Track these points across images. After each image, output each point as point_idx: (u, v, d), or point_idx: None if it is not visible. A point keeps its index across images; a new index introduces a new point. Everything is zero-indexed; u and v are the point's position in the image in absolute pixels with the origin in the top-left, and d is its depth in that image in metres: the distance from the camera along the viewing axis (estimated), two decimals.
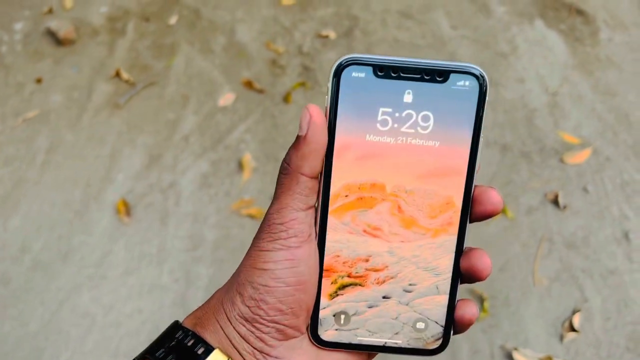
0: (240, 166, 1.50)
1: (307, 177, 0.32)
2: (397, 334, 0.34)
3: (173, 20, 1.89)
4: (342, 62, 0.32)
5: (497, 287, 1.26)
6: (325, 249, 0.34)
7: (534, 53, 1.80)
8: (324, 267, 0.34)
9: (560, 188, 1.44)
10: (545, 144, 1.54)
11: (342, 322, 0.34)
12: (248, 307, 0.33)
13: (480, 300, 1.24)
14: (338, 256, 0.34)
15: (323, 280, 0.34)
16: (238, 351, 0.33)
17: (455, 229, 0.33)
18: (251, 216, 1.40)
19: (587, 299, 1.25)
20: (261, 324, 0.33)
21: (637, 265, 1.30)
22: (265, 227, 0.33)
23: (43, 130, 1.58)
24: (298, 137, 0.32)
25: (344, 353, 0.35)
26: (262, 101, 1.65)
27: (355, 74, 0.32)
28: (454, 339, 0.35)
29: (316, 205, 0.34)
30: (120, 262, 1.32)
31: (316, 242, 0.34)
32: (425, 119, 0.32)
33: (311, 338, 0.34)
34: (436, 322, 0.34)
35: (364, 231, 0.33)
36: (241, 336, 0.33)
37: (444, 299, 0.34)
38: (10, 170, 1.48)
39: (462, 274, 0.34)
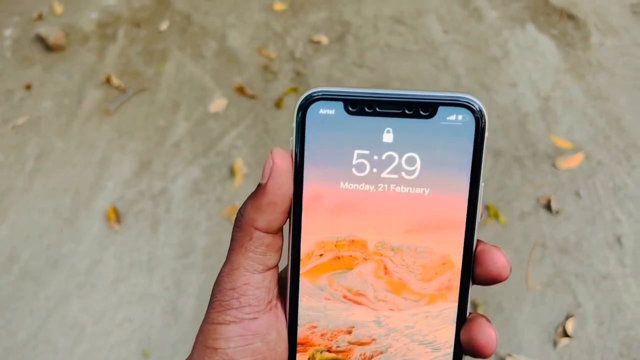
0: (231, 172, 1.49)
1: (263, 233, 0.28)
2: None
3: (164, 26, 1.88)
4: (307, 96, 0.27)
5: (490, 293, 1.26)
6: (299, 318, 0.28)
7: (525, 58, 1.80)
8: (298, 341, 0.28)
9: (552, 193, 1.43)
10: (537, 148, 1.54)
11: None
12: None
13: (474, 306, 1.24)
14: (314, 327, 0.28)
15: (298, 356, 0.28)
16: None
17: (455, 295, 0.28)
18: None
19: (580, 304, 1.24)
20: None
21: (629, 269, 1.29)
22: (216, 293, 0.28)
23: (32, 137, 1.56)
24: (258, 186, 0.28)
25: None
26: (253, 107, 1.65)
27: (323, 110, 0.27)
28: None
29: (285, 266, 0.29)
30: (111, 271, 1.31)
31: (282, 310, 0.29)
32: (411, 161, 0.27)
33: None
34: None
35: (345, 297, 0.28)
36: None
37: None
38: None
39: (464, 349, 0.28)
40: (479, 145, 0.27)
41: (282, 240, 0.29)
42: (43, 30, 1.79)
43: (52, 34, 1.78)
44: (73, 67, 1.75)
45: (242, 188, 1.46)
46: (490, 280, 0.28)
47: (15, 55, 1.79)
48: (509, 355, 1.16)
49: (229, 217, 1.40)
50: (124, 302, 1.26)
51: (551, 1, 1.99)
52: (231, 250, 0.28)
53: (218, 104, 1.65)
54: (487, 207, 1.40)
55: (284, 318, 0.29)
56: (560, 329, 1.21)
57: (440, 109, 0.27)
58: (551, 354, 1.17)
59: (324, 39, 1.85)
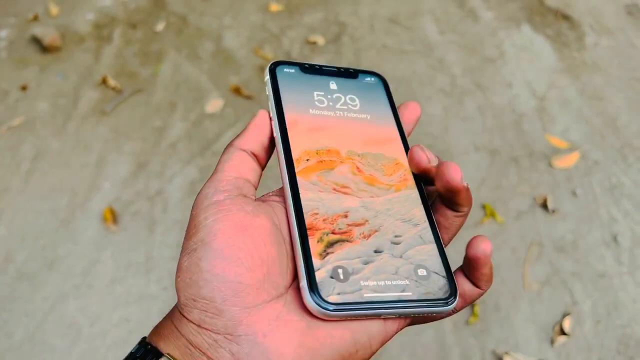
0: None
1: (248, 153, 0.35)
2: (404, 290, 0.30)
3: (160, 27, 1.88)
4: (274, 62, 0.39)
5: (487, 293, 1.26)
6: (303, 207, 0.32)
7: (521, 58, 1.81)
8: (307, 226, 0.31)
9: (549, 192, 1.44)
10: (533, 148, 1.55)
11: (342, 279, 0.29)
12: (190, 278, 0.28)
13: (471, 305, 1.24)
14: (316, 214, 0.32)
15: (309, 239, 0.31)
16: (200, 349, 0.27)
17: (412, 184, 0.35)
18: None
19: (577, 303, 1.24)
20: (209, 298, 0.27)
21: (626, 267, 1.30)
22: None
23: (28, 138, 1.56)
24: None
25: (341, 323, 0.28)
26: (250, 107, 1.65)
27: (287, 69, 0.39)
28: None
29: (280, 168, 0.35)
30: (107, 271, 1.30)
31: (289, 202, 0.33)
32: (352, 100, 0.39)
33: (313, 307, 0.28)
34: (436, 273, 0.32)
35: (334, 189, 0.34)
36: (197, 325, 0.28)
37: (433, 247, 0.33)
38: None
39: (440, 202, 0.34)
40: (390, 94, 0.40)
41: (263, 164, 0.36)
42: (39, 31, 1.79)
43: (48, 34, 1.78)
44: (69, 68, 1.75)
45: None
46: (447, 186, 0.31)
47: (10, 56, 1.78)
48: (507, 353, 1.16)
49: None
50: (121, 303, 1.26)
51: (546, 2, 2.00)
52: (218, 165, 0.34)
53: (214, 105, 1.65)
54: (483, 207, 1.41)
55: (281, 208, 0.33)
56: (557, 327, 1.21)
57: (360, 75, 0.41)
58: (548, 352, 1.17)
59: (320, 40, 1.85)
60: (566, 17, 1.95)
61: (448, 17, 1.94)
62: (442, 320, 1.21)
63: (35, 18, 1.89)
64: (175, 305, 0.30)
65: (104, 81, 1.70)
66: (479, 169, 1.49)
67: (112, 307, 1.25)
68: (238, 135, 0.36)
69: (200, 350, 0.27)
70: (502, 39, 1.87)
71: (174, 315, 0.29)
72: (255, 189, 0.35)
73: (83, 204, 1.42)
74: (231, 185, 0.32)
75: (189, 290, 0.28)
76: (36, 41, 1.80)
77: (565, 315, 1.22)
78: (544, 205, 1.41)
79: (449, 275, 0.32)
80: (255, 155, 0.35)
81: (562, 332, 1.20)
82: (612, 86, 1.72)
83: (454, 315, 1.22)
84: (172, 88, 1.70)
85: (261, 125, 0.36)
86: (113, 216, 1.39)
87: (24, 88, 1.68)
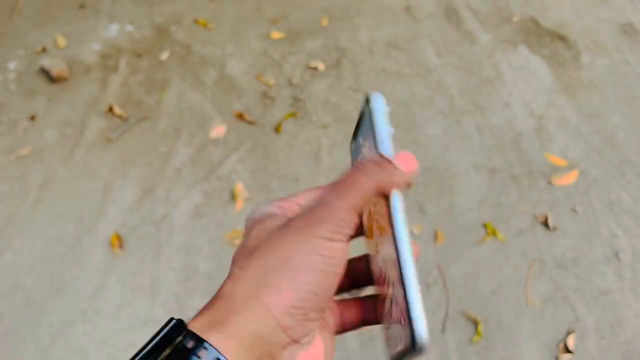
0: (232, 196, 1.51)
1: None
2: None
3: (164, 56, 1.92)
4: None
5: (490, 310, 1.26)
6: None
7: (518, 78, 1.84)
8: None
9: (549, 209, 1.45)
10: (533, 166, 1.56)
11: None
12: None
13: (474, 323, 1.24)
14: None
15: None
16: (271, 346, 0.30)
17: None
18: None
19: (580, 319, 1.25)
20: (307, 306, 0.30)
21: (628, 283, 1.30)
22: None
23: (36, 166, 1.59)
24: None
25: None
26: (253, 132, 1.68)
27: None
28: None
29: None
30: (114, 296, 1.32)
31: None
32: None
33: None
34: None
35: None
36: (282, 328, 0.30)
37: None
38: (3, 207, 1.49)
39: None
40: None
41: None
42: (47, 62, 1.84)
43: (56, 66, 1.83)
44: (76, 98, 1.79)
45: (242, 212, 1.48)
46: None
47: (19, 87, 1.83)
48: None
49: (230, 241, 1.42)
50: (127, 327, 1.27)
51: (542, 23, 2.04)
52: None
53: (218, 130, 1.68)
54: (484, 225, 1.42)
55: None
56: (561, 345, 1.21)
57: None
58: None
59: (321, 65, 1.89)
60: (562, 38, 1.98)
61: (445, 39, 1.98)
62: (446, 340, 1.21)
63: (44, 50, 1.94)
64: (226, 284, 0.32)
65: (110, 109, 1.74)
66: (479, 188, 1.51)
67: (118, 332, 1.26)
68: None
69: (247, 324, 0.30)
70: (499, 60, 1.90)
71: (224, 299, 0.32)
72: None
73: (90, 230, 1.44)
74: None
75: (251, 269, 0.31)
76: (44, 72, 1.85)
77: (568, 332, 1.23)
78: (545, 223, 1.42)
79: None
80: None
81: (567, 350, 1.20)
82: (609, 104, 1.74)
83: (458, 334, 1.23)
84: (176, 115, 1.73)
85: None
86: (119, 241, 1.41)
87: (32, 118, 1.72)
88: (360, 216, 0.34)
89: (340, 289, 0.36)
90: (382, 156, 0.33)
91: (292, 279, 0.30)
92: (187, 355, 0.27)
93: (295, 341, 0.30)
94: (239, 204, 1.49)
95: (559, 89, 1.80)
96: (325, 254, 0.30)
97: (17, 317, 1.29)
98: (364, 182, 0.32)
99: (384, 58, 1.92)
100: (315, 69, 1.88)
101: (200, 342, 0.28)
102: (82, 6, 2.13)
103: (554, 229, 1.41)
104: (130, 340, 1.25)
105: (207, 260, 1.38)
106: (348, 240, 0.32)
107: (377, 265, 0.36)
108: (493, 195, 1.49)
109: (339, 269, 0.31)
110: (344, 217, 0.31)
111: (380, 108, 0.35)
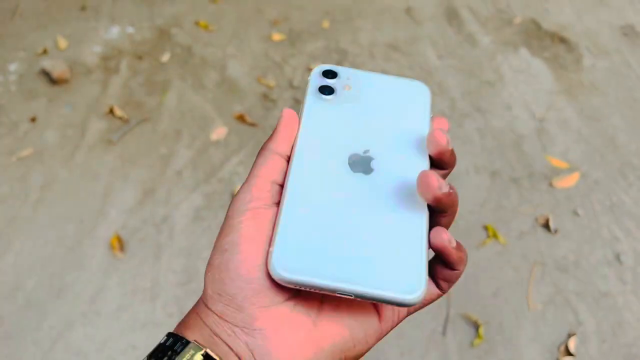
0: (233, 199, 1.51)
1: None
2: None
3: (165, 57, 1.92)
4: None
5: (491, 313, 1.26)
6: None
7: (519, 80, 1.84)
8: None
9: (550, 212, 1.45)
10: (534, 169, 1.56)
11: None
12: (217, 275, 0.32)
13: (475, 326, 1.24)
14: None
15: None
16: (221, 338, 0.31)
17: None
18: None
19: (582, 322, 1.24)
20: (232, 295, 0.31)
21: (629, 286, 1.30)
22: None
23: (37, 168, 1.59)
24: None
25: (339, 322, 0.32)
26: (254, 134, 1.68)
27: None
28: None
29: None
30: (114, 298, 1.32)
31: None
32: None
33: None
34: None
35: None
36: (219, 317, 0.31)
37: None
38: (4, 208, 1.49)
39: None
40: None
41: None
42: (48, 64, 1.84)
43: (57, 67, 1.83)
44: (77, 99, 1.79)
45: None
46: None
47: (20, 89, 1.83)
48: None
49: None
50: (127, 330, 1.27)
51: (543, 25, 2.04)
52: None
53: (219, 132, 1.68)
54: (485, 228, 1.42)
55: None
56: (562, 348, 1.21)
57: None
58: None
59: None
60: (563, 40, 1.98)
61: (446, 42, 1.98)
62: (447, 343, 1.21)
63: (44, 51, 1.94)
64: (201, 298, 0.33)
65: (111, 111, 1.74)
66: (479, 190, 1.51)
67: (119, 334, 1.26)
68: (271, 137, 0.37)
69: (221, 339, 0.31)
70: (500, 63, 1.90)
71: (199, 307, 0.33)
72: None
73: (90, 232, 1.44)
74: (266, 192, 0.34)
75: (216, 285, 0.32)
76: (45, 74, 1.85)
77: (570, 335, 1.22)
78: (546, 226, 1.42)
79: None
80: (288, 158, 0.36)
81: (568, 353, 1.20)
82: (610, 106, 1.74)
83: (458, 337, 1.22)
84: (177, 117, 1.73)
85: (291, 125, 0.37)
86: (120, 243, 1.41)
87: (33, 119, 1.72)
88: None
89: None
90: None
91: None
92: None
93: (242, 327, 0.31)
94: None
95: (560, 91, 1.80)
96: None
97: (17, 319, 1.28)
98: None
99: (385, 60, 1.92)
100: None
101: (177, 338, 0.31)
102: (83, 8, 2.13)
103: (555, 231, 1.41)
104: (131, 343, 1.25)
105: (207, 262, 1.38)
106: None
107: None
108: (494, 197, 1.49)
109: None
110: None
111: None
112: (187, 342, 0.30)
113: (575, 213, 1.45)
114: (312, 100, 0.39)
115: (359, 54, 1.94)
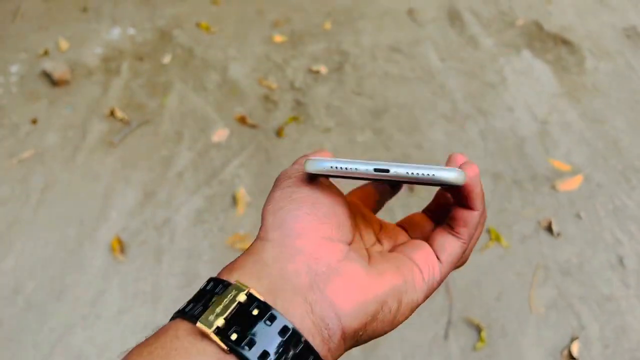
0: (234, 201, 1.50)
1: None
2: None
3: (166, 59, 1.92)
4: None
5: (493, 317, 1.25)
6: None
7: (521, 83, 1.83)
8: None
9: (553, 215, 1.44)
10: (536, 171, 1.55)
11: None
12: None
13: (478, 330, 1.23)
14: None
15: None
16: (274, 260, 0.31)
17: None
18: None
19: (585, 327, 1.24)
20: (293, 222, 0.32)
21: (633, 290, 1.29)
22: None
23: (38, 169, 1.59)
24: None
25: (392, 267, 0.35)
26: (255, 136, 1.67)
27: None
28: None
29: None
30: (115, 301, 1.31)
31: None
32: None
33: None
34: None
35: None
36: (279, 244, 0.32)
37: None
38: (5, 210, 1.49)
39: None
40: None
41: None
42: (49, 65, 1.84)
43: (58, 69, 1.83)
44: (78, 101, 1.79)
45: (244, 217, 1.47)
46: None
47: (21, 91, 1.82)
48: None
49: (232, 245, 1.41)
50: (128, 333, 1.26)
51: (545, 27, 2.04)
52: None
53: (220, 134, 1.68)
54: (488, 231, 1.41)
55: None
56: (565, 352, 1.20)
57: None
58: None
59: (323, 69, 1.88)
60: (565, 42, 1.98)
61: (448, 44, 1.97)
62: (449, 346, 1.20)
63: (46, 53, 1.94)
64: (255, 239, 0.33)
65: (112, 113, 1.73)
66: None
67: (119, 337, 1.25)
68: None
69: (275, 260, 0.31)
70: (503, 65, 1.90)
71: (253, 248, 0.33)
72: None
73: (91, 234, 1.43)
74: None
75: (278, 214, 0.33)
76: (46, 75, 1.85)
77: (573, 339, 1.22)
78: (549, 229, 1.41)
79: None
80: None
81: (571, 357, 1.19)
82: (613, 109, 1.73)
83: (461, 341, 1.22)
84: (178, 119, 1.73)
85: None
86: (120, 246, 1.40)
87: (34, 121, 1.72)
88: None
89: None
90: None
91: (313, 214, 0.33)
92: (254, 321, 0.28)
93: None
94: (241, 209, 1.48)
95: (562, 94, 1.79)
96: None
97: (17, 322, 1.28)
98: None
99: (387, 62, 1.91)
100: (317, 72, 1.87)
101: (218, 281, 0.31)
102: (84, 9, 2.12)
103: (558, 234, 1.40)
104: (131, 346, 1.24)
105: (208, 265, 1.37)
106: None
107: None
108: (496, 200, 1.48)
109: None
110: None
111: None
112: (229, 283, 0.30)
113: (578, 216, 1.44)
114: None
115: (361, 55, 1.93)
